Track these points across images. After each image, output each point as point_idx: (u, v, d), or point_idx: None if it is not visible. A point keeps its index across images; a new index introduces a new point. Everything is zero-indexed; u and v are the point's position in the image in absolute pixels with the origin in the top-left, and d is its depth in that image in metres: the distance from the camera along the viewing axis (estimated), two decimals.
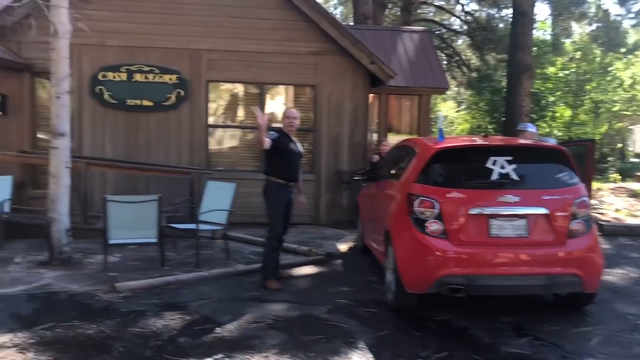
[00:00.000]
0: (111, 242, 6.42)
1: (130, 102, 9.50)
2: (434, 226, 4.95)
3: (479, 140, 5.66)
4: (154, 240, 6.61)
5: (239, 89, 10.23)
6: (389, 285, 5.51)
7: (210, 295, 5.79)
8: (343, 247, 8.28)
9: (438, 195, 4.99)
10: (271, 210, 6.10)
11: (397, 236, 5.29)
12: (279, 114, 10.08)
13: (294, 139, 6.29)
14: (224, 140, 10.18)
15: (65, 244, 7.04)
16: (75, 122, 8.81)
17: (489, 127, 19.81)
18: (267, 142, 5.89)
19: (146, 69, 9.48)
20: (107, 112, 9.49)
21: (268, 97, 10.06)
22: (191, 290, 5.97)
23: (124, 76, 9.45)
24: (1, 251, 7.51)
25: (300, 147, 6.39)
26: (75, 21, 6.80)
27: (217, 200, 7.44)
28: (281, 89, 10.25)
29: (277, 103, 10.35)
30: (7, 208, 7.94)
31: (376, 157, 8.92)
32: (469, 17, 24.51)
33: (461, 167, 5.29)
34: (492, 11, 24.43)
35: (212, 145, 9.97)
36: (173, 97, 9.56)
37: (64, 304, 5.47)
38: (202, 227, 7.07)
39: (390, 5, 23.31)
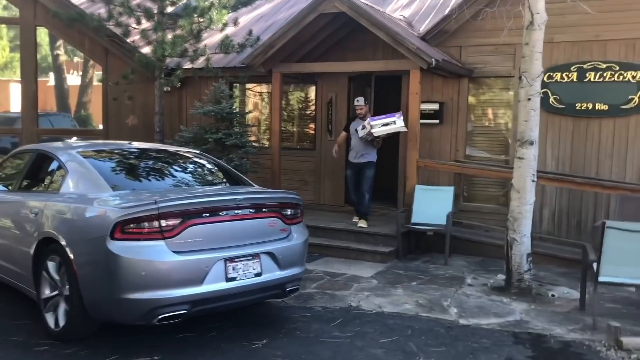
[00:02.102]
0: (601, 279, 5.04)
1: (579, 106, 8.06)
2: None
3: None
4: None
5: None
6: None
7: None
8: None
9: None
10: None
11: None
12: None
13: None
14: None
15: (526, 271, 6.05)
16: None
17: None
18: None
19: (602, 66, 7.88)
20: (551, 118, 8.23)
21: None
22: None
23: (573, 76, 8.06)
24: (448, 267, 7.02)
25: None
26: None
27: None
28: None
29: None
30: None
31: None
32: None
33: None
34: None
35: None
36: (637, 99, 7.71)
37: (562, 357, 4.35)
38: None
39: None
